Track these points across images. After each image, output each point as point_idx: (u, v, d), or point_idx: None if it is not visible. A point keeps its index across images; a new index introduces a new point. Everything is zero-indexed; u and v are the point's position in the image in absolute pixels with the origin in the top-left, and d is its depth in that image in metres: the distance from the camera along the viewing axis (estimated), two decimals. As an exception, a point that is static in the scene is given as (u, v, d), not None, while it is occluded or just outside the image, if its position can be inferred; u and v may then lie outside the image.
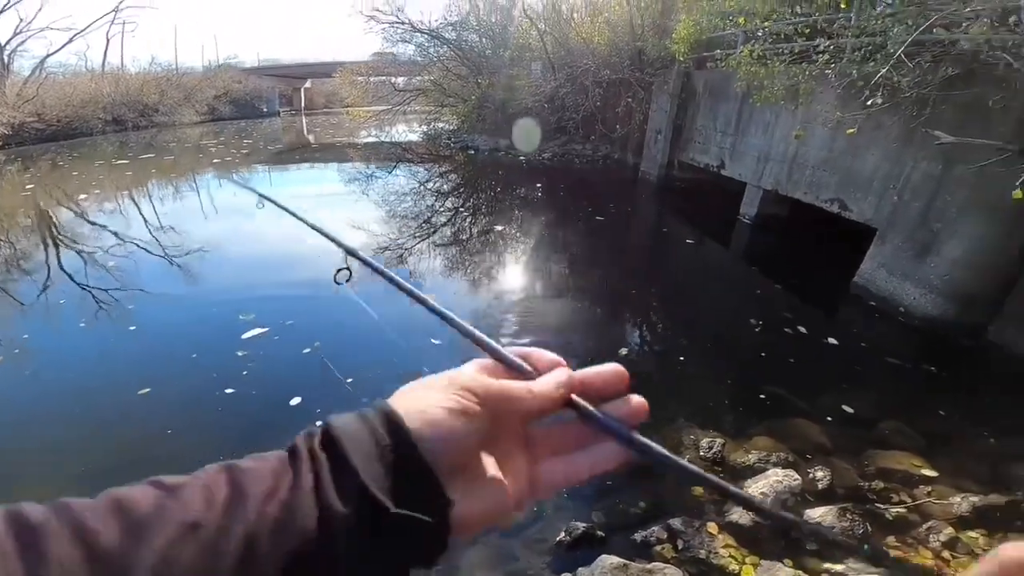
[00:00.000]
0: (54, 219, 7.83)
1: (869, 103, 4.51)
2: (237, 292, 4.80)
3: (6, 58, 21.81)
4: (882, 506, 2.41)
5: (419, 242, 6.28)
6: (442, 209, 8.05)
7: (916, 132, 4.43)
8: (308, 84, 36.30)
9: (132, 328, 4.08)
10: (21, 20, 25.23)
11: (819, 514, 2.31)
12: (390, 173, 11.26)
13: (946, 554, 2.15)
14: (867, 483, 2.56)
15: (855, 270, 5.02)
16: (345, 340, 3.83)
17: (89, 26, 26.96)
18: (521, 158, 12.39)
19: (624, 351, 3.86)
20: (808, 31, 6.01)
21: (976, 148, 3.82)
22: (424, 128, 17.03)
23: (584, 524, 2.27)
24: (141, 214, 7.98)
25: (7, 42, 21.73)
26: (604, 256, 6.16)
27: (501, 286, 5.07)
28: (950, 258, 4.21)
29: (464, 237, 6.78)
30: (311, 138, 19.27)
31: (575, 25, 13.44)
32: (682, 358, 3.77)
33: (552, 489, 0.38)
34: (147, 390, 3.21)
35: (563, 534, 2.24)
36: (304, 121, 26.68)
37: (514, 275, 5.38)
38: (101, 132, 20.13)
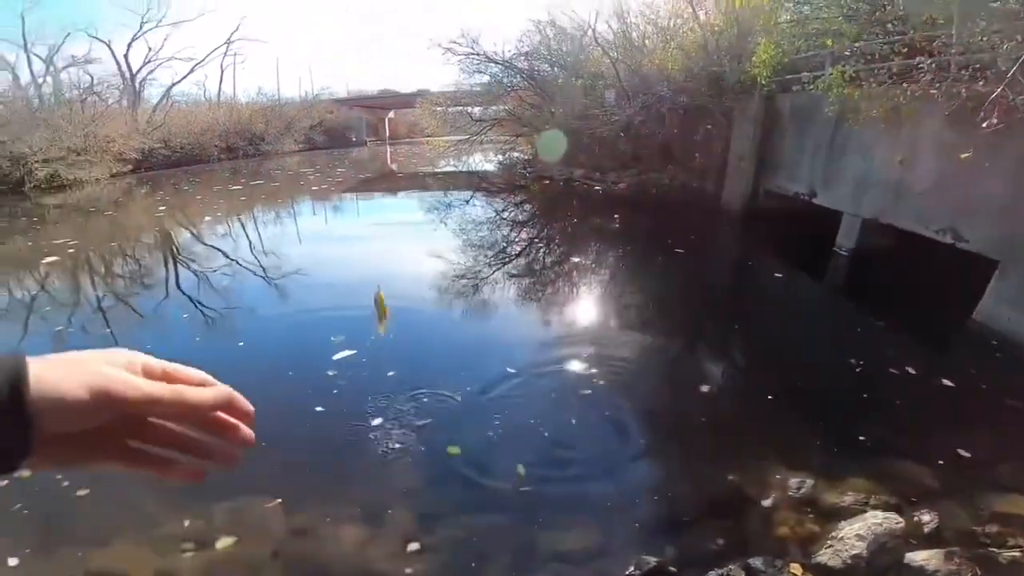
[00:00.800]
0: (181, 239, 8.83)
1: (984, 124, 4.12)
2: (329, 314, 5.11)
3: (138, 86, 24.93)
4: (995, 550, 2.16)
5: (494, 271, 6.40)
6: (517, 239, 8.18)
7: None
8: (392, 114, 38.64)
9: (240, 344, 4.49)
10: (150, 50, 27.82)
11: (923, 558, 2.10)
12: (467, 203, 11.64)
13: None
14: (980, 527, 2.31)
15: (973, 306, 4.53)
16: (424, 364, 3.96)
17: (207, 57, 29.97)
18: (597, 187, 12.36)
19: (705, 388, 3.68)
20: (905, 49, 5.67)
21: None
22: (500, 157, 17.53)
23: (655, 559, 2.18)
24: (248, 237, 8.79)
25: (138, 70, 24.81)
26: (683, 290, 5.96)
27: (575, 318, 5.04)
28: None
29: (538, 267, 6.84)
30: (394, 167, 20.43)
31: (647, 52, 13.41)
32: (770, 397, 3.54)
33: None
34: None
35: (632, 567, 2.16)
36: (388, 150, 28.33)
37: (588, 307, 5.34)
38: (216, 159, 22.36)
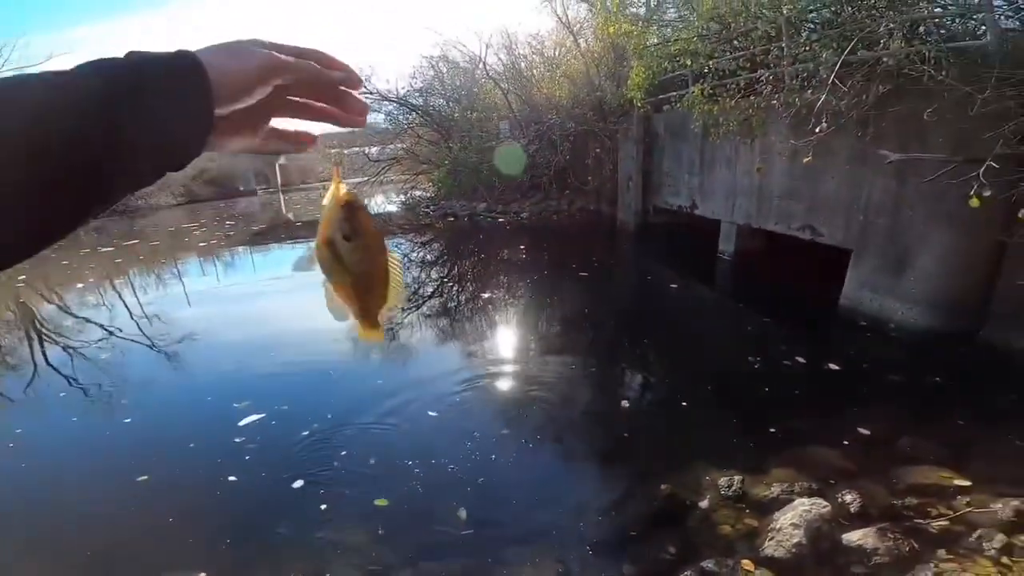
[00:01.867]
0: (46, 312, 7.69)
1: (817, 129, 4.72)
2: (230, 379, 4.70)
3: None
4: (922, 521, 2.39)
5: (407, 316, 6.25)
6: (427, 280, 8.10)
7: (866, 152, 4.67)
8: (282, 160, 37.09)
9: (127, 420, 3.97)
10: None
11: (858, 537, 2.28)
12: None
13: (1005, 560, 2.13)
14: (900, 500, 2.54)
15: (839, 293, 5.15)
16: (340, 418, 3.76)
17: None
18: (501, 219, 12.64)
19: (625, 403, 3.84)
20: (749, 64, 6.29)
21: (925, 162, 4.04)
22: (402, 197, 17.39)
23: (615, 577, 2.18)
24: (127, 304, 7.88)
25: None
26: (592, 311, 6.19)
27: (494, 351, 5.04)
28: (926, 270, 4.37)
29: (452, 305, 6.80)
30: (290, 216, 19.51)
31: (536, 81, 14.13)
32: (685, 403, 3.76)
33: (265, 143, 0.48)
34: (144, 477, 3.13)
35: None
36: (282, 198, 27.07)
37: (505, 339, 5.36)
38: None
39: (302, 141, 0.50)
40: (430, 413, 3.71)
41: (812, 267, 6.13)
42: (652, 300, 6.62)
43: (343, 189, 0.50)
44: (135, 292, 8.75)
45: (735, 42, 6.76)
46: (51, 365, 5.43)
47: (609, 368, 4.63)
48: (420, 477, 3.03)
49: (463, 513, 2.71)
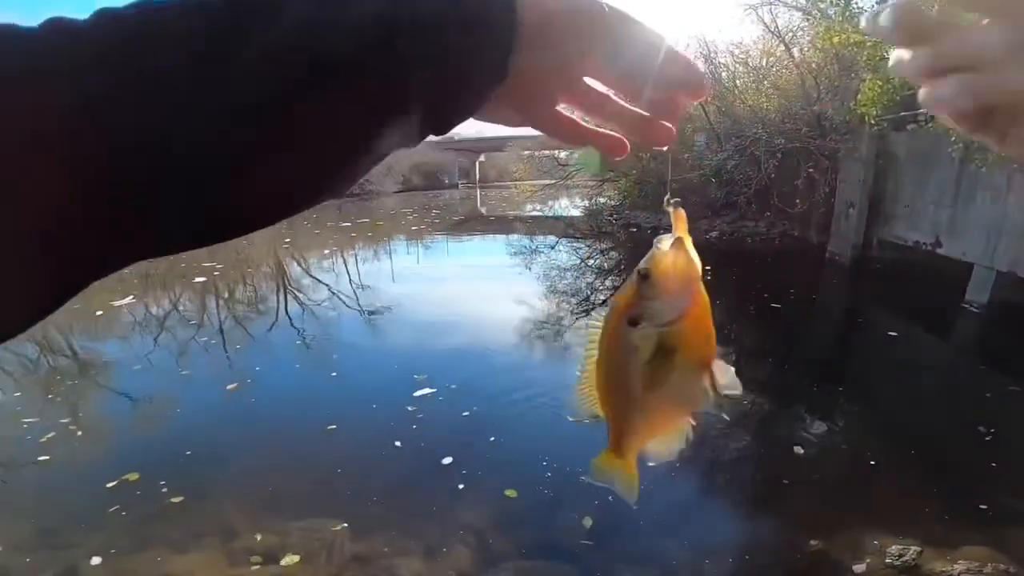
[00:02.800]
0: (293, 272, 9.74)
1: None
2: (413, 350, 5.36)
3: None
4: None
5: (576, 319, 6.36)
6: (601, 288, 8.09)
7: None
8: (482, 158, 40.51)
9: (333, 374, 4.80)
10: None
11: None
12: (552, 248, 11.77)
13: None
14: None
15: None
16: (498, 406, 4.00)
17: None
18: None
19: (799, 450, 3.43)
20: None
21: None
22: (586, 203, 17.63)
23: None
24: (349, 273, 9.50)
25: None
26: (780, 346, 5.53)
27: None
28: None
29: (623, 314, 6.69)
30: (484, 210, 21.26)
31: (738, 93, 13.04)
32: (873, 462, 3.23)
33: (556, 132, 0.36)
34: (333, 427, 3.72)
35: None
36: (479, 194, 29.61)
37: None
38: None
39: (614, 150, 0.38)
40: (586, 420, 3.72)
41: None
42: (859, 346, 5.70)
43: (689, 251, 0.36)
44: (357, 263, 10.47)
45: None
46: (288, 316, 6.80)
47: (787, 410, 4.15)
48: (554, 479, 3.08)
49: (587, 522, 2.70)
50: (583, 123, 0.37)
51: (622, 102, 0.36)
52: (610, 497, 2.81)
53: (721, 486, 3.14)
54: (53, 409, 4.24)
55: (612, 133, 0.37)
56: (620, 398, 0.38)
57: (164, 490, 2.98)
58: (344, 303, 7.30)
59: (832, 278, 8.50)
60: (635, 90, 0.34)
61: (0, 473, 3.46)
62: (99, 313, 6.72)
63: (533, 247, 11.97)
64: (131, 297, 7.39)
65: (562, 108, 0.36)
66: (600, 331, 0.38)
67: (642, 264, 0.36)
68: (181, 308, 7.37)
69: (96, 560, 2.50)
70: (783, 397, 4.35)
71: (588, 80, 0.35)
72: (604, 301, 7.26)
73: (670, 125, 0.36)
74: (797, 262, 9.64)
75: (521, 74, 0.31)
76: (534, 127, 0.36)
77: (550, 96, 0.34)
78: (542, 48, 0.31)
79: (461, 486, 3.04)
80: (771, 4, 11.88)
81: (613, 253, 11.45)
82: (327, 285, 8.31)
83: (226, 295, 8.17)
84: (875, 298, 7.29)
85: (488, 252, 12.18)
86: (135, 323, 6.59)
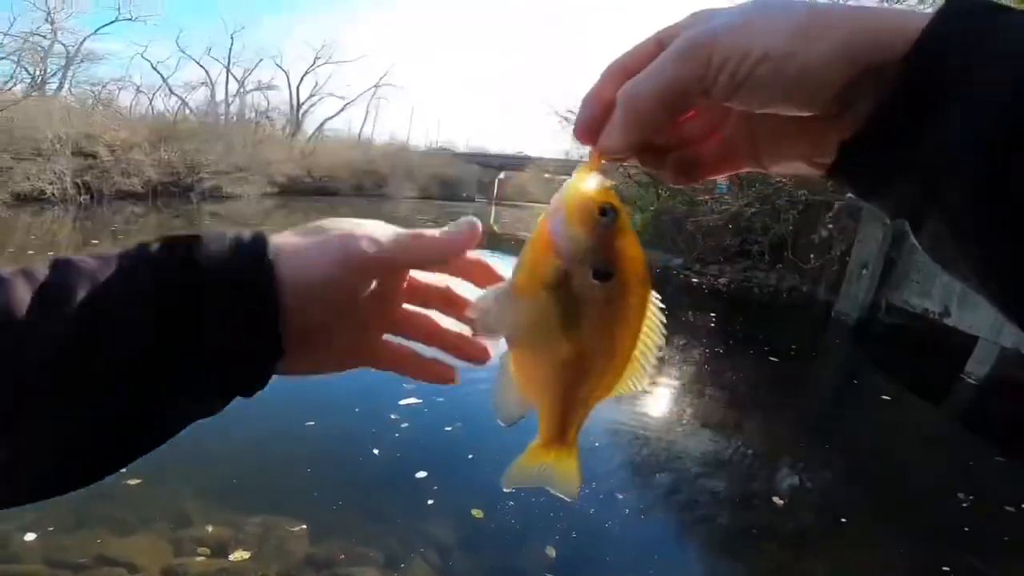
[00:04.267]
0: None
1: None
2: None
3: (300, 117, 28.65)
4: None
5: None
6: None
7: None
8: (502, 175, 40.83)
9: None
10: (316, 84, 31.85)
11: None
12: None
13: None
14: None
15: None
16: (480, 424, 3.93)
17: (357, 97, 33.47)
18: (695, 280, 11.91)
19: (778, 499, 3.43)
20: None
21: None
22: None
23: None
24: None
25: (304, 102, 28.56)
26: (772, 397, 5.51)
27: (643, 406, 4.80)
28: None
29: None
30: (496, 227, 21.36)
31: (770, 142, 13.06)
32: (844, 519, 3.23)
33: (390, 366, 0.38)
34: (311, 423, 3.70)
35: None
36: (494, 210, 29.77)
37: (661, 398, 5.07)
38: (343, 195, 24.59)
39: (443, 377, 0.38)
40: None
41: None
42: (850, 405, 5.67)
43: (597, 182, 0.31)
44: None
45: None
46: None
47: (770, 461, 4.16)
48: (524, 504, 3.03)
49: (551, 552, 2.65)
50: (420, 355, 0.38)
51: (439, 321, 0.38)
52: (574, 534, 2.82)
53: (693, 527, 3.13)
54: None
55: (440, 363, 0.38)
56: (564, 378, 0.32)
57: (122, 470, 2.92)
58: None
59: (835, 338, 8.44)
60: (448, 302, 0.38)
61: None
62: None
63: (539, 271, 11.93)
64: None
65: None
66: (538, 304, 0.30)
67: (590, 193, 0.30)
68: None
69: (30, 536, 2.39)
70: (768, 447, 4.37)
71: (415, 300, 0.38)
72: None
73: (485, 345, 0.37)
74: (802, 318, 9.57)
75: (308, 340, 0.32)
76: (376, 367, 0.39)
77: (359, 338, 0.37)
78: (313, 294, 0.31)
79: (431, 501, 3.00)
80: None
81: (619, 286, 11.38)
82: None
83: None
84: (874, 361, 7.24)
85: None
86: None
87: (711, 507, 3.35)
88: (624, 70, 0.30)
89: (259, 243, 0.30)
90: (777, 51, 0.26)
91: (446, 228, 0.34)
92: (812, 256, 10.50)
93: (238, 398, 0.34)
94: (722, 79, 0.27)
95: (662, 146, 0.34)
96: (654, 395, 5.11)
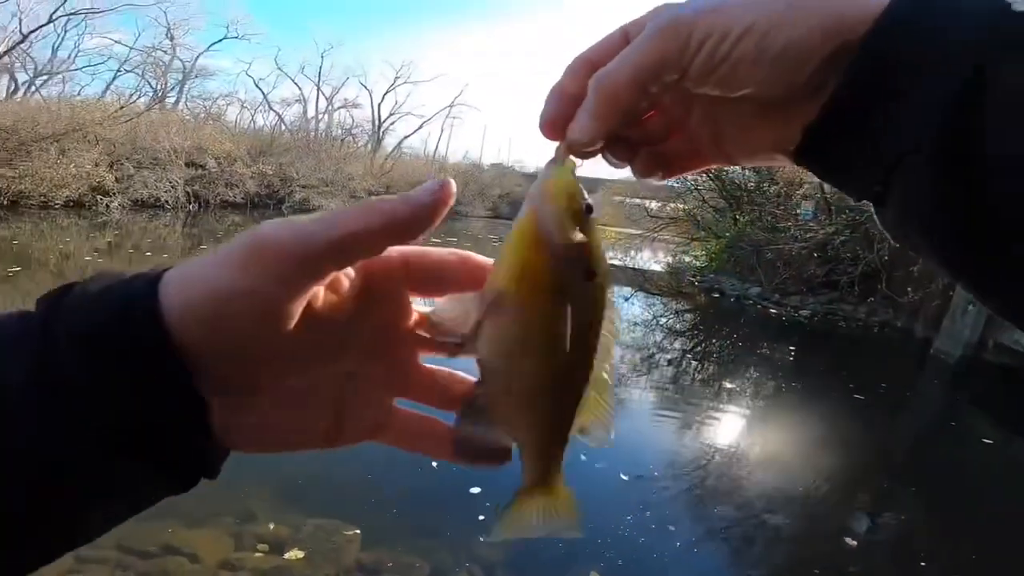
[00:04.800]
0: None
1: None
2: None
3: (380, 134, 30.28)
4: None
5: (636, 374, 6.14)
6: (669, 348, 7.79)
7: None
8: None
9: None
10: (396, 102, 32.94)
11: None
12: (626, 300, 11.48)
13: None
14: None
15: None
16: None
17: (433, 115, 34.61)
18: (773, 311, 11.20)
19: (849, 540, 3.19)
20: None
21: None
22: (669, 259, 17.12)
23: None
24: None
25: (384, 119, 30.18)
26: (853, 436, 5.12)
27: (711, 438, 4.62)
28: None
29: (685, 381, 6.39)
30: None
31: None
32: (923, 563, 3.00)
33: (396, 442, 0.30)
34: None
35: None
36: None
37: (730, 432, 4.84)
38: (419, 211, 25.78)
39: (443, 453, 0.32)
40: (621, 476, 3.60)
41: None
42: (945, 448, 5.20)
43: (572, 179, 0.29)
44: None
45: None
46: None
47: (844, 500, 3.91)
48: (587, 531, 2.95)
49: None
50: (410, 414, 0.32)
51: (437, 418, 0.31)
52: (620, 561, 2.74)
53: (748, 563, 3.02)
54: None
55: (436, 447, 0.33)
56: (550, 396, 0.28)
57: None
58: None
59: (932, 377, 7.75)
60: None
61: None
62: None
63: (605, 294, 11.76)
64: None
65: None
66: (525, 291, 0.26)
67: (576, 188, 0.28)
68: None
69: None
70: (845, 486, 4.11)
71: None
72: (670, 361, 6.94)
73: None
74: (894, 355, 8.80)
75: (248, 392, 0.25)
76: (382, 440, 0.31)
77: (341, 389, 0.29)
78: (230, 344, 0.23)
79: (482, 517, 2.99)
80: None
81: (688, 315, 11.00)
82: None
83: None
84: (976, 402, 6.64)
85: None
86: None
87: (772, 544, 3.17)
88: (590, 63, 0.30)
89: (143, 286, 0.23)
90: (759, 26, 0.26)
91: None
92: (910, 289, 9.57)
93: None
94: (700, 58, 0.26)
95: (631, 139, 0.33)
96: (720, 425, 4.91)
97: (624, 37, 0.29)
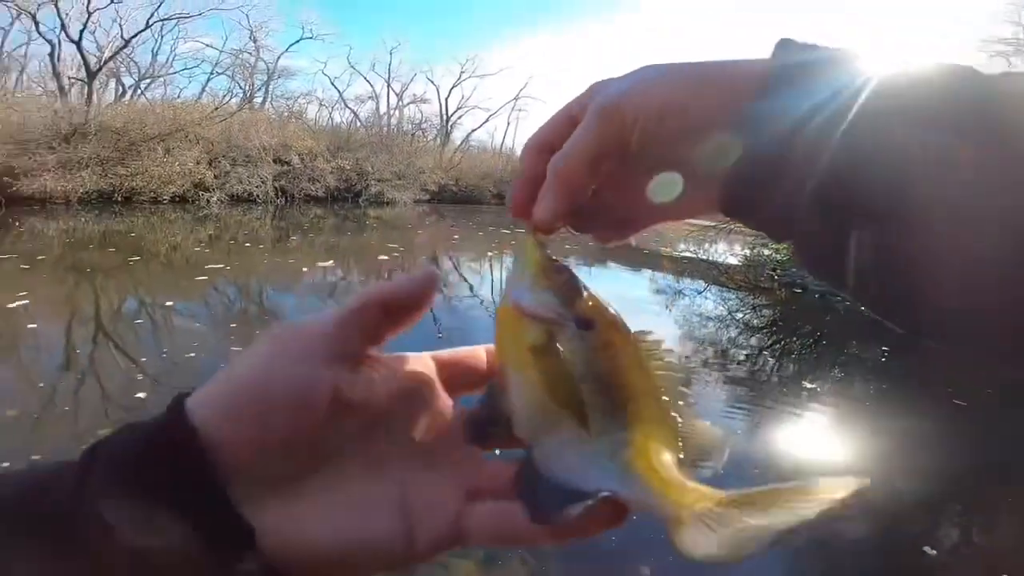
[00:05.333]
0: (456, 263, 10.59)
1: None
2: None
3: (448, 128, 30.89)
4: None
5: (710, 369, 5.98)
6: (744, 344, 7.47)
7: None
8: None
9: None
10: (463, 96, 33.81)
11: None
12: (699, 293, 11.15)
13: None
14: None
15: None
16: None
17: (499, 109, 34.71)
18: (863, 309, 10.39)
19: (929, 549, 3.04)
20: None
21: None
22: (747, 251, 16.28)
23: None
24: (492, 277, 10.04)
25: (452, 113, 30.78)
26: (946, 443, 4.65)
27: (787, 438, 4.39)
28: None
29: (761, 379, 6.09)
30: (634, 241, 20.68)
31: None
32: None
33: (482, 540, 0.27)
34: None
35: None
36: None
37: (807, 432, 4.58)
38: (487, 203, 26.01)
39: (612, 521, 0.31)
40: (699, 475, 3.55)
41: None
42: None
43: (536, 254, 0.32)
44: (502, 271, 10.99)
45: None
46: (439, 307, 7.38)
47: (928, 508, 3.69)
48: (622, 528, 2.96)
49: (646, 572, 2.59)
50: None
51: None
52: (670, 557, 2.66)
53: (812, 567, 2.97)
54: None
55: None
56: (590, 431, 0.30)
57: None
58: (481, 307, 7.74)
59: None
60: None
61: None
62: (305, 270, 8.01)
63: (678, 288, 11.47)
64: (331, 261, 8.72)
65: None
66: (524, 359, 0.29)
67: (542, 256, 0.32)
68: (360, 279, 8.45)
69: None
70: (929, 494, 3.79)
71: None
72: (744, 359, 6.69)
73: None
74: (1005, 364, 7.89)
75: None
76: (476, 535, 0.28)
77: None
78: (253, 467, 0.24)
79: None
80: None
81: (766, 311, 10.50)
82: (471, 284, 8.89)
83: (397, 274, 9.16)
84: None
85: (630, 284, 11.94)
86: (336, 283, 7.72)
87: (839, 548, 3.01)
88: (544, 145, 0.34)
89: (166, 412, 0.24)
90: (673, 105, 0.30)
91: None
92: None
93: None
94: (636, 137, 0.30)
95: (589, 210, 0.36)
96: (797, 425, 4.64)
97: (569, 118, 0.33)
